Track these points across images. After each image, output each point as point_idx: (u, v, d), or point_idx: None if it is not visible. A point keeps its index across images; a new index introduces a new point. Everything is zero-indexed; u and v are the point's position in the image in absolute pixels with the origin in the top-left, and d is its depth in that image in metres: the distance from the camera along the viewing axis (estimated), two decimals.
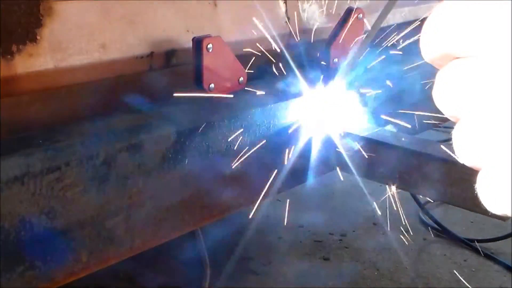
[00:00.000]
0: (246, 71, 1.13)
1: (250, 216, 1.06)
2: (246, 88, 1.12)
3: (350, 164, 1.09)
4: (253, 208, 1.08)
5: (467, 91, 0.40)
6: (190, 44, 1.04)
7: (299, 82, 1.13)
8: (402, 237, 1.61)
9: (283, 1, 1.35)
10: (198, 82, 1.04)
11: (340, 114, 1.14)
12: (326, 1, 1.42)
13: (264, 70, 1.22)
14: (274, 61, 1.18)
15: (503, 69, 0.39)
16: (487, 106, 0.39)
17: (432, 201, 2.64)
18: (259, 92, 1.11)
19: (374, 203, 1.11)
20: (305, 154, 1.13)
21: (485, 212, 0.46)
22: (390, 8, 0.66)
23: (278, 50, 1.14)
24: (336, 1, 1.44)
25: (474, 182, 0.42)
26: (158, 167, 0.93)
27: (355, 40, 1.29)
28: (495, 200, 0.40)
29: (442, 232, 2.59)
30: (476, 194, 0.42)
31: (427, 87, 1.13)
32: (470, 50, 0.40)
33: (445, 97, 0.42)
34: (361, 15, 1.32)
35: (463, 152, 0.42)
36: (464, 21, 0.40)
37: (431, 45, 0.42)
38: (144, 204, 0.93)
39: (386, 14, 0.66)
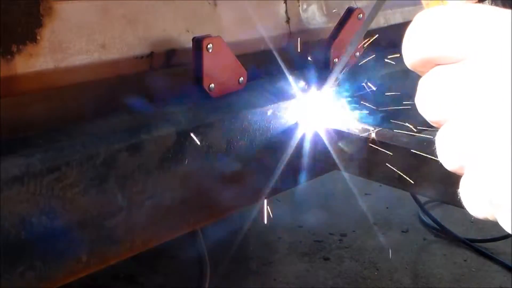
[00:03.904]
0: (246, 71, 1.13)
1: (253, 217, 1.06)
2: (245, 88, 1.12)
3: (349, 164, 1.09)
4: (253, 208, 1.08)
5: (449, 97, 0.41)
6: (190, 44, 1.04)
7: (299, 82, 1.13)
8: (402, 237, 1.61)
9: (283, 1, 1.35)
10: (198, 82, 1.04)
11: (339, 114, 1.14)
12: (326, 1, 1.42)
13: (264, 70, 1.22)
14: (274, 61, 1.17)
15: (484, 76, 0.39)
16: (469, 111, 0.40)
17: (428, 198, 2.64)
18: (258, 92, 1.10)
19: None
20: (304, 154, 1.12)
21: None
22: (379, 8, 0.66)
23: (278, 50, 1.14)
24: (336, 1, 1.44)
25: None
26: (158, 167, 0.93)
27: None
28: (476, 204, 0.41)
29: (442, 232, 2.59)
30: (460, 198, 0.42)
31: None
32: (451, 57, 0.41)
33: (427, 103, 0.42)
34: (361, 15, 1.32)
35: (445, 157, 0.42)
36: (445, 29, 0.41)
37: (413, 52, 0.43)
38: (144, 204, 0.93)
39: (375, 14, 0.66)
